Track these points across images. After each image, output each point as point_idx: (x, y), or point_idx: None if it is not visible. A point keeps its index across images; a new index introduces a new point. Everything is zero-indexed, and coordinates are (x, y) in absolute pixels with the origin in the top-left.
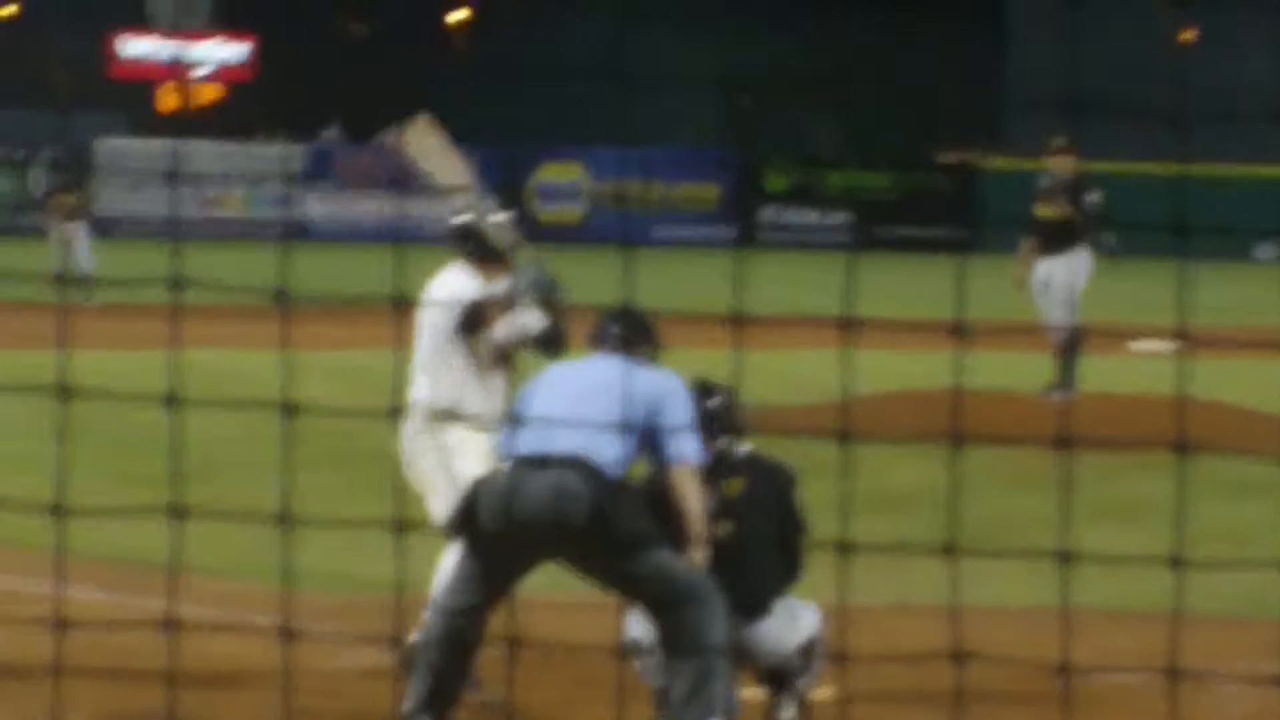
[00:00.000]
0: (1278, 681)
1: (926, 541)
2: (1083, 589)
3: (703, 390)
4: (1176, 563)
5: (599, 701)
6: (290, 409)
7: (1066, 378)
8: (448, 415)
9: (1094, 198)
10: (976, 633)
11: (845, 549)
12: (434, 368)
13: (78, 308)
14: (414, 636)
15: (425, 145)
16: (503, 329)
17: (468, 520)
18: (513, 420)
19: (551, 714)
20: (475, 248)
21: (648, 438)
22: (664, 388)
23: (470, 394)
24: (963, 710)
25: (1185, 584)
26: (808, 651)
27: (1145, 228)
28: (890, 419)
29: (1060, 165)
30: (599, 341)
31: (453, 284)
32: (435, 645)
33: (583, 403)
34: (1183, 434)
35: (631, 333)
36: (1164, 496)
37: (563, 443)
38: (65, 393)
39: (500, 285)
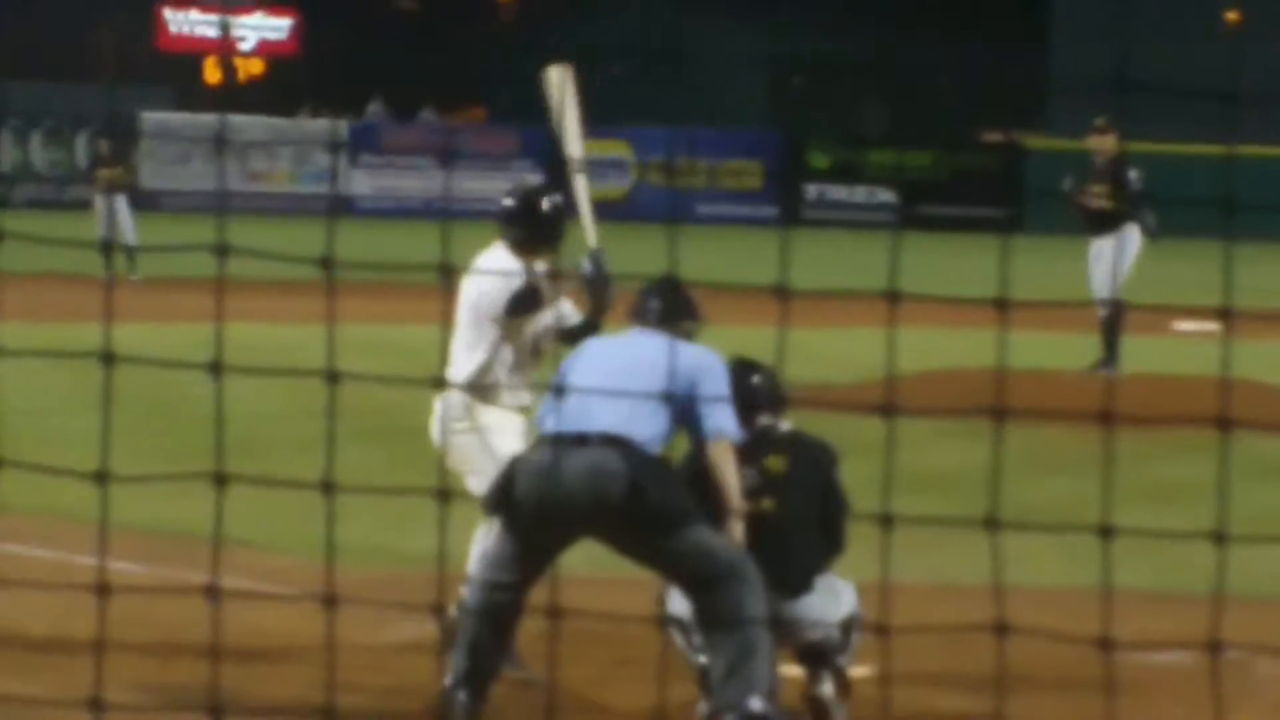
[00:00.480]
0: None
1: (967, 517)
2: (1121, 571)
3: (745, 367)
4: (1220, 538)
5: (639, 680)
6: (334, 376)
7: (1111, 355)
8: (485, 394)
9: (1134, 174)
10: (1015, 613)
11: (887, 522)
12: (472, 349)
13: (121, 280)
14: (454, 611)
15: (562, 91)
16: (549, 316)
17: (505, 498)
18: (552, 394)
19: (591, 692)
20: (521, 231)
21: (685, 413)
22: (701, 363)
23: (505, 378)
24: (1003, 686)
25: (1227, 562)
26: (847, 628)
27: (1190, 204)
28: (932, 398)
29: (1100, 144)
30: (639, 316)
31: (495, 267)
32: (474, 620)
33: (621, 379)
34: (1226, 411)
35: (671, 307)
36: (1202, 478)
37: (601, 420)
38: (109, 359)
39: (552, 269)
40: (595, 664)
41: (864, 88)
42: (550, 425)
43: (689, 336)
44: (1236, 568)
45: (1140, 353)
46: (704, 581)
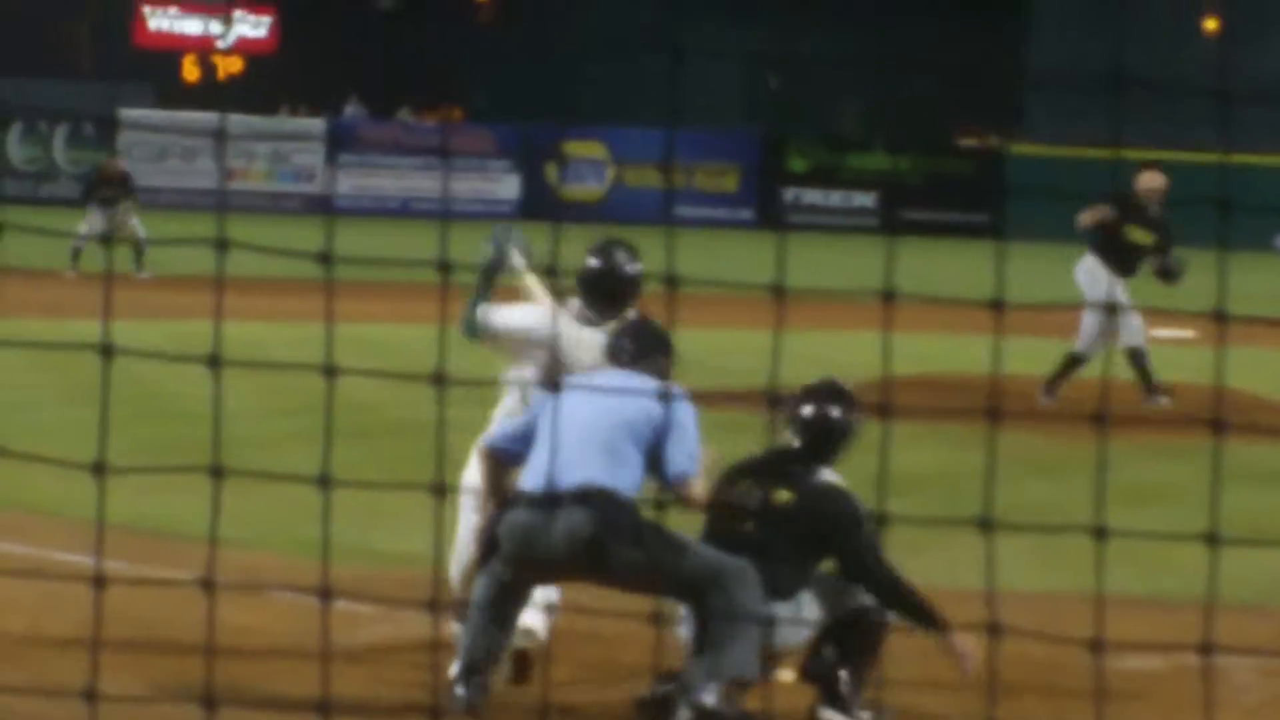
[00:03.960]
0: None
1: (959, 518)
2: (1103, 575)
3: (831, 395)
4: (1212, 540)
5: (624, 681)
6: (331, 371)
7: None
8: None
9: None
10: (1002, 615)
11: (881, 521)
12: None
13: (124, 277)
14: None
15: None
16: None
17: (492, 558)
18: (528, 449)
19: (575, 695)
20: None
21: (653, 455)
22: (669, 407)
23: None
24: (994, 692)
25: (1201, 567)
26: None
27: (1182, 205)
28: (913, 401)
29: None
30: (613, 356)
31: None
32: (477, 613)
33: (594, 431)
34: (1218, 415)
35: (643, 347)
36: (1179, 482)
37: (573, 477)
38: (108, 352)
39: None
40: (575, 665)
41: (843, 89)
42: (528, 482)
43: (663, 373)
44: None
45: (1117, 359)
46: (696, 601)
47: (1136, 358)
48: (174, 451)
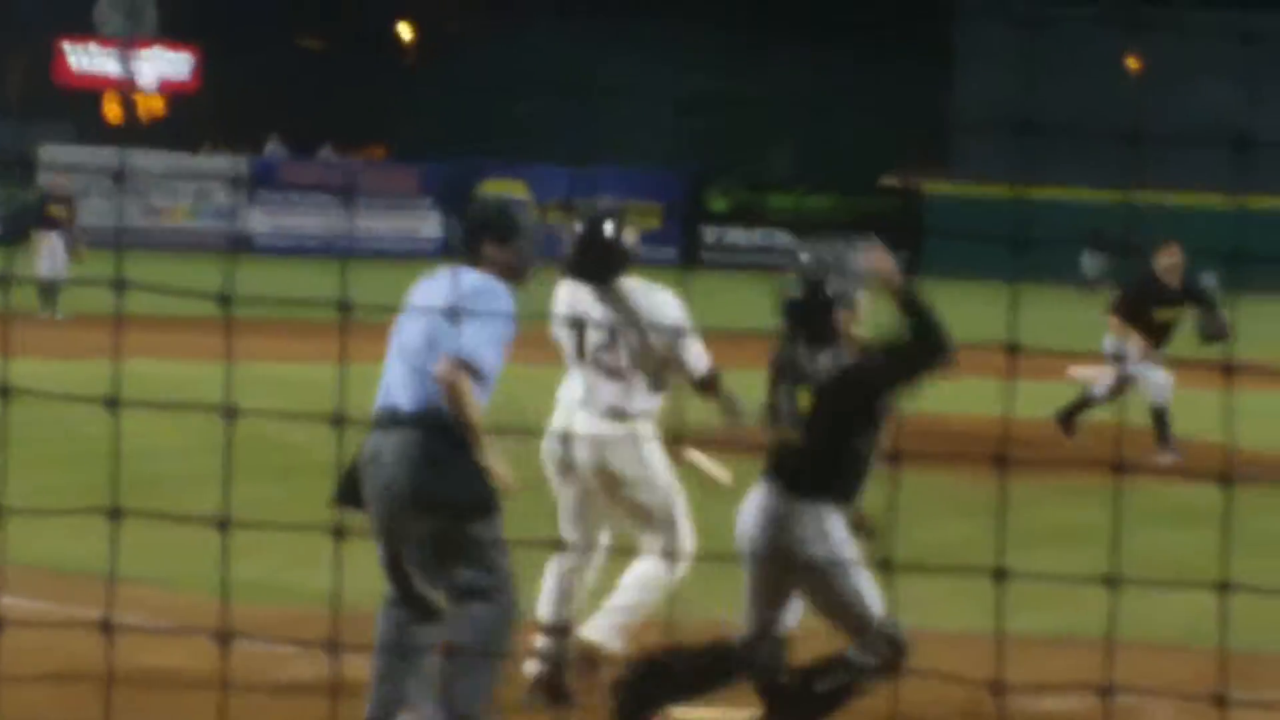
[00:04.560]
0: (1214, 701)
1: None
2: (1016, 616)
3: (818, 277)
4: (1112, 583)
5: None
6: (232, 412)
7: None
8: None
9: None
10: (912, 656)
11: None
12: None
13: (33, 317)
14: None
15: None
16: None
17: (353, 490)
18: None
19: None
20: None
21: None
22: (475, 290)
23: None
24: None
25: (1121, 607)
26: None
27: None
28: None
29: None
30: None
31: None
32: (378, 651)
33: (424, 336)
34: (1120, 457)
35: (472, 231)
36: (1098, 522)
37: (407, 393)
38: (5, 393)
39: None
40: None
41: (767, 130)
42: (378, 399)
43: (494, 260)
44: (1130, 612)
45: (1036, 397)
46: (464, 593)
47: (1157, 415)
48: (98, 492)
